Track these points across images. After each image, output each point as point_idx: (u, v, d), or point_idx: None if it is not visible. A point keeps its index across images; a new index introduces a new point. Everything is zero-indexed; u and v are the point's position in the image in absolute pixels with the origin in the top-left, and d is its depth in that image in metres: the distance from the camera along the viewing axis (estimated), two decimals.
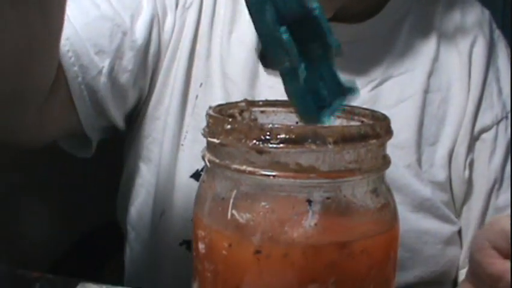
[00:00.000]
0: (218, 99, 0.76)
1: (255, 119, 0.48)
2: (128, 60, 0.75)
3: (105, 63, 0.73)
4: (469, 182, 0.79)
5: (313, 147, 0.40)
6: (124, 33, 0.74)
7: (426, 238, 0.76)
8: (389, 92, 0.79)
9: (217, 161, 0.42)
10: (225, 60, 0.78)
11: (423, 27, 0.82)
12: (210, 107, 0.45)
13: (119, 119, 0.79)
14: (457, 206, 0.79)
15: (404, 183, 0.75)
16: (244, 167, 0.40)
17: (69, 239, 1.05)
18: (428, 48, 0.81)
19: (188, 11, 0.79)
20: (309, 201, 0.40)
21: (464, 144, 0.78)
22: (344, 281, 0.41)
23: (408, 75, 0.80)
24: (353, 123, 0.48)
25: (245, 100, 0.48)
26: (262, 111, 0.49)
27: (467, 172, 0.78)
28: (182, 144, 0.78)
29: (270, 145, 0.40)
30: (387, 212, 0.43)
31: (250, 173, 0.40)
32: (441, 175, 0.78)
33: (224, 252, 0.41)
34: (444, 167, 0.78)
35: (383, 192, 0.43)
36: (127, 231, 0.83)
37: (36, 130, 0.70)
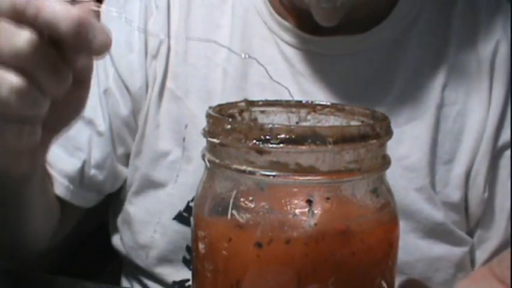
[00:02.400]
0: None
1: (255, 119, 0.48)
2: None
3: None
4: (489, 203, 0.73)
5: (313, 147, 0.40)
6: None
7: (438, 265, 0.72)
8: (398, 108, 0.73)
9: (217, 161, 0.42)
10: (211, 94, 0.75)
11: (437, 32, 0.74)
12: (210, 107, 0.45)
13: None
14: (471, 224, 0.74)
15: (416, 208, 0.71)
16: (244, 167, 0.40)
17: (69, 239, 1.05)
18: (442, 56, 0.74)
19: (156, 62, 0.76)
20: (309, 201, 0.40)
21: (484, 162, 0.71)
22: (343, 281, 0.41)
23: (421, 88, 0.73)
24: (353, 123, 0.48)
25: (245, 100, 0.48)
26: (262, 111, 0.49)
27: (486, 193, 0.72)
28: (172, 188, 0.75)
29: (270, 145, 0.40)
30: (387, 211, 0.43)
31: (250, 173, 0.40)
32: (456, 195, 0.72)
33: (224, 252, 0.41)
34: (460, 187, 0.72)
35: (383, 192, 0.43)
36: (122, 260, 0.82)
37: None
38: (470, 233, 0.74)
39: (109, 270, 0.85)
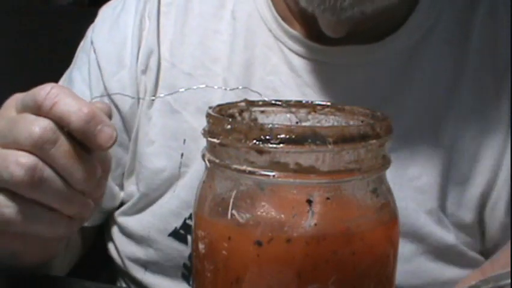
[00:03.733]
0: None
1: (255, 119, 0.48)
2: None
3: None
4: (508, 226, 0.68)
5: (313, 147, 0.40)
6: None
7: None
8: (412, 124, 0.68)
9: (217, 161, 0.42)
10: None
11: (456, 42, 0.70)
12: (210, 107, 0.45)
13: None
14: (489, 245, 0.71)
15: (426, 231, 0.68)
16: (244, 167, 0.40)
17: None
18: (460, 69, 0.69)
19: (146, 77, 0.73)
20: (309, 201, 0.40)
21: (506, 187, 0.67)
22: (344, 281, 0.41)
23: (436, 104, 0.69)
24: (352, 123, 0.48)
25: (245, 100, 0.48)
26: (262, 111, 0.49)
27: (509, 217, 0.68)
28: (166, 202, 0.72)
29: (270, 145, 0.40)
30: (387, 211, 0.43)
31: (250, 173, 0.40)
32: (469, 217, 0.69)
33: (224, 251, 0.41)
34: (475, 208, 0.69)
35: (383, 192, 0.43)
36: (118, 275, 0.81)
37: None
38: (485, 252, 0.71)
39: (108, 271, 0.85)
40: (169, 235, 0.71)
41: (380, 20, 0.68)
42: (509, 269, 0.46)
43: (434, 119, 0.69)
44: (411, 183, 0.69)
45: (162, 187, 0.72)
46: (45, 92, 0.49)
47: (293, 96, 0.68)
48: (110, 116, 0.51)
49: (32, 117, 0.49)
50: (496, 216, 0.69)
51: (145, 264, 0.74)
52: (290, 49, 0.71)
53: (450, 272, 0.69)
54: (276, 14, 0.72)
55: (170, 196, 0.72)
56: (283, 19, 0.71)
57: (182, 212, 0.70)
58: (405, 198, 0.68)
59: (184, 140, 0.71)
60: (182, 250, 0.71)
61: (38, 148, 0.48)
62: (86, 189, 0.50)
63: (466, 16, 0.71)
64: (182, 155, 0.71)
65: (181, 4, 0.74)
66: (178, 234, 0.71)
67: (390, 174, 0.68)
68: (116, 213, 0.76)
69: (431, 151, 0.69)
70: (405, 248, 0.68)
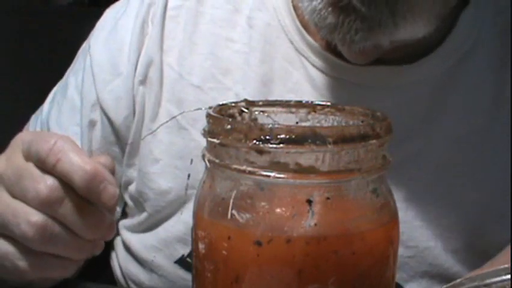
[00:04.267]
0: None
1: (255, 119, 0.48)
2: None
3: None
4: None
5: (313, 147, 0.39)
6: None
7: None
8: (445, 155, 0.64)
9: (217, 161, 0.42)
10: None
11: (496, 68, 0.65)
12: (210, 107, 0.45)
13: None
14: None
15: (454, 271, 0.64)
16: (244, 167, 0.40)
17: None
18: (499, 95, 0.64)
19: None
20: (309, 201, 0.40)
21: None
22: (343, 281, 0.41)
23: (472, 135, 0.64)
24: (352, 123, 0.48)
25: (245, 100, 0.48)
26: (262, 111, 0.49)
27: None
28: (172, 226, 0.68)
29: (270, 145, 0.40)
30: (387, 212, 0.43)
31: (250, 173, 0.40)
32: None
33: (224, 251, 0.41)
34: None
35: (383, 192, 0.43)
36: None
37: None
38: None
39: (109, 270, 0.85)
40: (175, 262, 0.67)
41: (413, 46, 0.62)
42: (496, 268, 0.46)
43: (472, 149, 0.65)
44: (441, 221, 0.65)
45: (167, 209, 0.67)
46: (48, 146, 0.49)
47: None
48: (113, 171, 0.52)
49: (38, 173, 0.50)
50: None
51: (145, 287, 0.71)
52: (313, 65, 0.65)
53: None
54: (298, 24, 0.65)
55: (177, 220, 0.67)
56: (307, 31, 0.65)
57: (189, 239, 0.64)
58: (434, 238, 0.65)
59: (192, 160, 0.64)
60: (188, 279, 0.66)
61: (46, 207, 0.49)
62: (96, 237, 0.52)
63: (506, 41, 0.66)
64: (189, 176, 0.65)
65: (192, 8, 0.68)
66: (185, 263, 0.67)
67: (419, 212, 0.64)
68: (120, 224, 0.73)
69: (466, 184, 0.64)
70: None
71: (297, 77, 0.65)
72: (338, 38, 0.56)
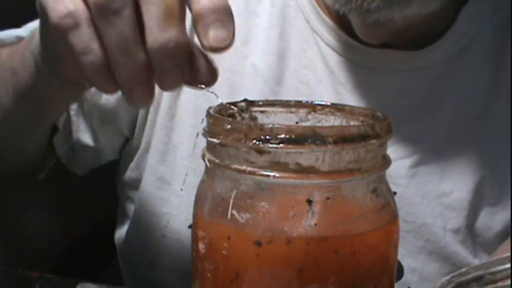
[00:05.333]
0: None
1: (255, 119, 0.48)
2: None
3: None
4: None
5: (313, 147, 0.39)
6: None
7: None
8: (445, 139, 0.68)
9: (217, 161, 0.42)
10: (235, 89, 0.68)
11: (491, 59, 0.69)
12: (210, 107, 0.45)
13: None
14: None
15: (451, 251, 0.67)
16: (244, 167, 0.40)
17: (69, 239, 1.05)
18: (495, 87, 0.69)
19: None
20: (309, 201, 0.40)
21: None
22: (343, 280, 0.41)
23: (471, 120, 0.68)
24: (353, 123, 0.48)
25: (245, 100, 0.48)
26: (262, 111, 0.49)
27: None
28: (181, 189, 0.69)
29: (270, 145, 0.40)
30: (387, 211, 0.43)
31: (250, 173, 0.40)
32: (498, 240, 0.68)
33: (224, 251, 0.41)
34: (504, 234, 0.67)
35: (383, 192, 0.43)
36: (123, 271, 0.79)
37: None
38: None
39: (109, 270, 0.85)
40: (190, 226, 0.67)
41: (419, 30, 0.66)
42: (500, 256, 0.46)
43: (470, 134, 0.68)
44: (440, 200, 0.68)
45: (175, 167, 0.69)
46: None
47: (327, 93, 0.67)
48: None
49: None
50: None
51: (154, 257, 0.71)
52: (327, 43, 0.68)
53: None
54: (315, 3, 0.68)
55: (183, 180, 0.69)
56: (323, 10, 0.68)
57: None
58: (433, 215, 0.67)
59: (202, 120, 0.64)
60: None
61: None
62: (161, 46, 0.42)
63: (503, 35, 0.70)
64: (197, 134, 0.63)
65: None
66: None
67: (419, 189, 0.67)
68: (127, 195, 0.75)
69: (464, 169, 0.67)
70: (428, 266, 0.67)
71: (311, 54, 0.68)
72: (355, 7, 0.58)
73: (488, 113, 0.69)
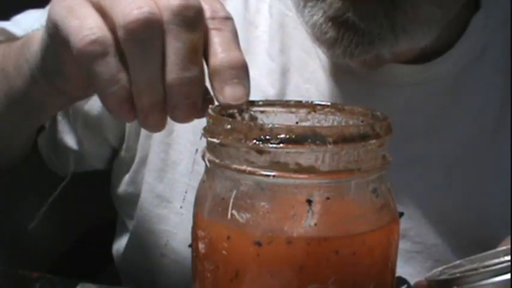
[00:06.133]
0: None
1: (255, 119, 0.48)
2: None
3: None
4: None
5: (313, 147, 0.39)
6: None
7: None
8: (455, 156, 0.66)
9: (217, 161, 0.42)
10: None
11: (505, 72, 0.66)
12: (210, 107, 0.45)
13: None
14: None
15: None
16: (244, 167, 0.40)
17: (69, 239, 1.05)
18: (507, 98, 0.66)
19: None
20: (309, 201, 0.40)
21: None
22: (344, 280, 0.41)
23: (482, 137, 0.66)
24: (353, 123, 0.48)
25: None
26: (262, 111, 0.49)
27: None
28: (181, 207, 0.68)
29: (270, 145, 0.40)
30: (387, 211, 0.43)
31: (250, 173, 0.40)
32: None
33: (224, 251, 0.41)
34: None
35: (383, 192, 0.43)
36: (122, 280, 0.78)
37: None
38: None
39: (109, 270, 0.85)
40: (190, 246, 0.66)
41: (424, 48, 0.63)
42: (495, 250, 0.46)
43: (480, 152, 0.66)
44: (448, 219, 0.66)
45: (174, 184, 0.68)
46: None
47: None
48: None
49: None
50: None
51: (154, 275, 0.70)
52: (330, 60, 0.66)
53: None
54: None
55: (183, 197, 0.68)
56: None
57: None
58: (442, 236, 0.66)
59: (201, 136, 0.65)
60: None
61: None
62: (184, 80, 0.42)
63: None
64: (196, 150, 0.64)
65: None
66: None
67: (429, 211, 0.66)
68: (126, 212, 0.73)
69: (473, 186, 0.66)
70: None
71: (313, 66, 0.66)
72: (339, 52, 0.57)
73: (499, 130, 0.66)
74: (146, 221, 0.70)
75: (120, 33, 0.41)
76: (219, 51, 0.42)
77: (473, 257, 0.48)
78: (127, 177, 0.73)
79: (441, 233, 0.66)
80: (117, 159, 0.74)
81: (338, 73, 0.66)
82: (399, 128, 0.63)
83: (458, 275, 0.46)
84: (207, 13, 0.42)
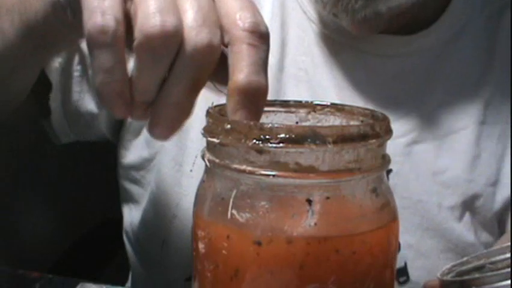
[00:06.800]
0: None
1: None
2: None
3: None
4: None
5: (313, 146, 0.40)
6: None
7: None
8: (440, 119, 0.71)
9: (217, 160, 0.42)
10: None
11: (483, 45, 0.72)
12: (210, 107, 0.45)
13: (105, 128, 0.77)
14: None
15: (447, 227, 0.69)
16: (244, 167, 0.40)
17: (69, 239, 1.05)
18: (487, 71, 0.72)
19: None
20: (309, 201, 0.40)
21: None
22: (343, 280, 0.41)
23: (463, 101, 0.71)
24: (352, 123, 0.48)
25: None
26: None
27: None
28: (191, 170, 0.71)
29: (270, 145, 0.40)
30: (387, 211, 0.43)
31: (250, 172, 0.40)
32: (496, 218, 0.70)
33: (224, 251, 0.41)
34: (504, 210, 0.69)
35: (383, 192, 0.43)
36: (129, 255, 0.80)
37: None
38: None
39: (109, 270, 0.85)
40: None
41: (411, 17, 0.68)
42: (501, 246, 0.46)
43: (459, 117, 0.70)
44: (436, 178, 0.70)
45: (186, 149, 0.71)
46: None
47: (324, 77, 0.70)
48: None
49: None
50: None
51: (164, 237, 0.73)
52: (322, 31, 0.71)
53: None
54: None
55: (193, 161, 0.71)
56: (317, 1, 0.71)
57: None
58: (428, 192, 0.70)
59: (212, 103, 0.62)
60: None
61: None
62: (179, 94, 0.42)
63: (494, 21, 0.73)
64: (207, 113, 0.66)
65: None
66: None
67: (415, 167, 0.70)
68: (132, 176, 0.76)
69: (457, 146, 0.70)
70: (425, 243, 0.69)
71: (309, 42, 0.71)
72: (341, 9, 0.62)
73: (476, 98, 0.71)
74: (161, 183, 0.73)
75: (136, 34, 0.40)
76: (247, 72, 0.41)
77: (478, 253, 0.48)
78: (141, 141, 0.75)
79: (428, 190, 0.70)
80: (124, 127, 0.76)
81: (332, 46, 0.71)
82: (387, 93, 0.69)
83: (476, 275, 0.46)
84: (247, 24, 0.41)
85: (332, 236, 0.40)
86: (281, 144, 0.40)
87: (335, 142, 0.40)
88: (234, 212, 0.41)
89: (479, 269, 0.47)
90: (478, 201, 0.70)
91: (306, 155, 0.40)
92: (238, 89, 0.41)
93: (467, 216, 0.69)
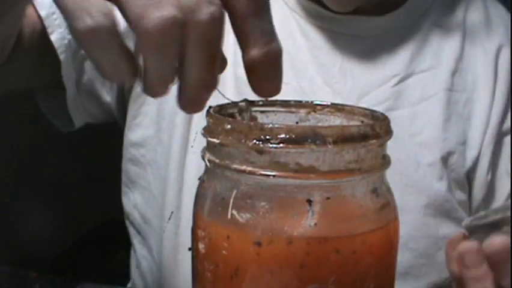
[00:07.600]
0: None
1: (255, 119, 0.48)
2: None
3: None
4: (491, 185, 0.77)
5: (313, 147, 0.40)
6: None
7: (441, 244, 0.73)
8: (411, 88, 0.77)
9: (217, 161, 0.42)
10: (238, 62, 0.71)
11: (446, 23, 0.80)
12: (210, 107, 0.45)
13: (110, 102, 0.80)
14: (473, 207, 0.77)
15: (426, 183, 0.74)
16: (244, 167, 0.40)
17: (69, 238, 1.05)
18: (451, 45, 0.79)
19: None
20: (309, 201, 0.40)
21: (490, 146, 0.76)
22: (344, 280, 0.41)
23: (431, 72, 0.78)
24: (352, 123, 0.48)
25: (245, 100, 0.48)
26: (262, 111, 0.49)
27: (490, 175, 0.76)
28: (192, 146, 0.76)
29: (270, 145, 0.40)
30: (387, 211, 0.43)
31: (250, 173, 0.40)
32: (467, 178, 0.76)
33: (224, 251, 0.41)
34: (472, 169, 0.76)
35: (383, 192, 0.43)
36: (131, 235, 0.82)
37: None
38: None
39: (109, 270, 0.85)
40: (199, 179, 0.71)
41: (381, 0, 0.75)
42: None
43: (429, 85, 0.77)
44: (414, 139, 0.75)
45: (191, 127, 0.76)
46: None
47: (305, 58, 0.77)
48: None
49: None
50: (480, 174, 0.76)
51: (170, 212, 0.76)
52: (302, 17, 0.78)
53: (444, 228, 0.74)
54: None
55: (194, 137, 0.76)
56: None
57: None
58: (406, 152, 0.74)
59: None
60: None
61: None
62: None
63: (453, 10, 0.81)
64: None
65: None
66: None
67: (394, 131, 0.73)
68: (137, 155, 0.79)
69: (429, 111, 0.76)
70: (404, 199, 0.72)
71: (290, 28, 0.78)
72: None
73: (443, 68, 0.78)
74: (170, 158, 0.77)
75: (136, 34, 0.39)
76: (260, 44, 0.41)
77: (492, 209, 0.48)
78: (145, 119, 0.79)
79: (405, 151, 0.74)
80: (133, 92, 0.80)
81: (311, 30, 0.78)
82: (363, 71, 0.76)
83: (508, 213, 0.46)
84: None
85: (332, 236, 0.40)
86: (281, 145, 0.40)
87: (335, 142, 0.40)
88: (234, 212, 0.41)
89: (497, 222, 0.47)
90: (452, 158, 0.75)
91: (306, 155, 0.40)
92: (255, 63, 0.41)
93: (444, 173, 0.74)
